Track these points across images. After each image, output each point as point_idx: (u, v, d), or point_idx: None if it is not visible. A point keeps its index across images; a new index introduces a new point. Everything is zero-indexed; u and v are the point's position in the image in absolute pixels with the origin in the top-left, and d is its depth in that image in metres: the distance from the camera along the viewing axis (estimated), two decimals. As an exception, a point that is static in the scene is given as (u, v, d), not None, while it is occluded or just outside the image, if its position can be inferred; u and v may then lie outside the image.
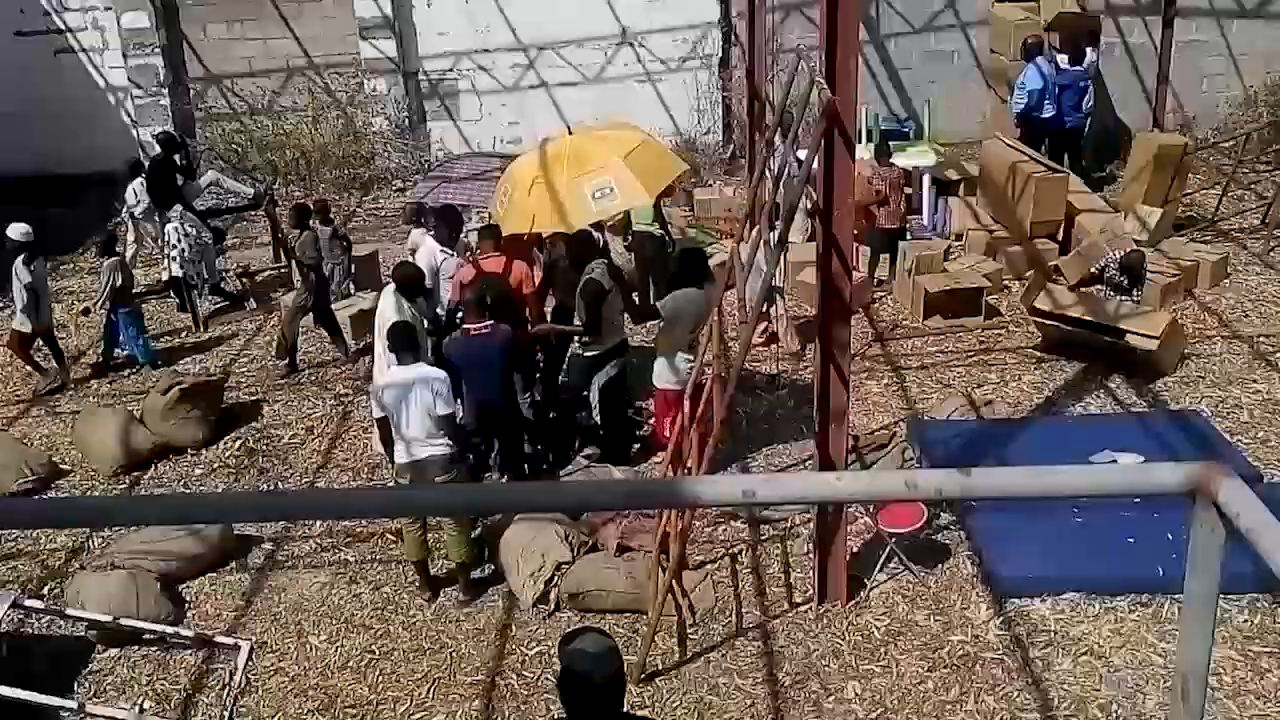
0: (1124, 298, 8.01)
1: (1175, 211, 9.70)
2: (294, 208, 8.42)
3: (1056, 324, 7.75)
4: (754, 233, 8.04)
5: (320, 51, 12.01)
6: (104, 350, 8.33)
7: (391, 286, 6.34)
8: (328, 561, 5.96)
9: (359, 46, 11.88)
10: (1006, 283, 8.93)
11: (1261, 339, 7.96)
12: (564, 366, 6.94)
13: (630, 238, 8.52)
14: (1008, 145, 9.66)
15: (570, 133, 6.62)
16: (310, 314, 8.15)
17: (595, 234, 7.02)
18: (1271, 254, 9.31)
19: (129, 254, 9.35)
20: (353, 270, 8.99)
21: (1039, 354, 7.95)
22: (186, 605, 5.68)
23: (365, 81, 11.99)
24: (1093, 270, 8.07)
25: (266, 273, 9.71)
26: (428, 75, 12.15)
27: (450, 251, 7.07)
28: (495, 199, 6.42)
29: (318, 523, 6.26)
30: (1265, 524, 1.27)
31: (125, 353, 8.39)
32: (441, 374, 5.44)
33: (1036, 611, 5.35)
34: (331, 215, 8.94)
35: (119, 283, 8.12)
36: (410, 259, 7.26)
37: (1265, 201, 10.01)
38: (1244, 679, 4.84)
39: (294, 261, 8.13)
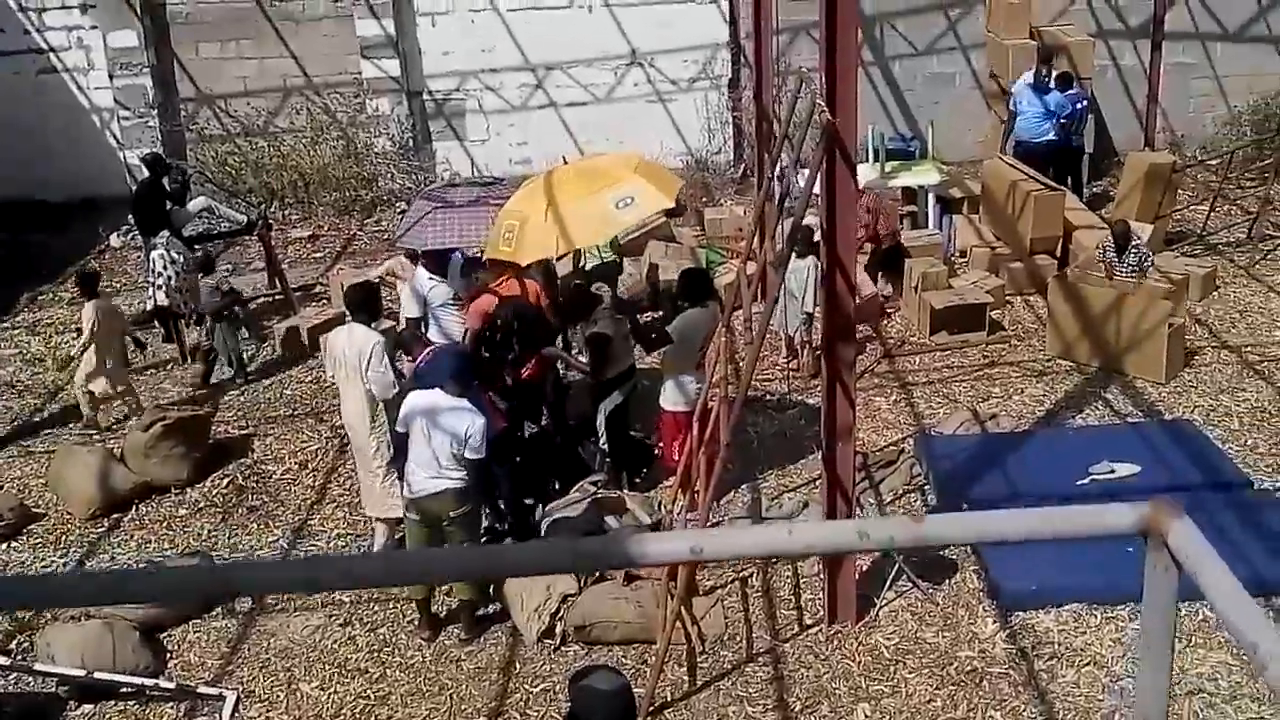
0: (1130, 267, 8.25)
1: (1166, 227, 10.06)
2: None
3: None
4: (762, 253, 8.32)
5: (319, 71, 11.71)
6: None
7: (349, 318, 6.06)
8: (321, 603, 5.67)
9: (360, 66, 11.67)
10: (1009, 297, 9.25)
11: (1249, 349, 8.28)
12: (569, 394, 6.94)
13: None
14: (1008, 164, 10.01)
15: (565, 162, 6.60)
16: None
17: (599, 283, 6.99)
18: (1257, 267, 9.67)
19: None
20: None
21: (1040, 366, 8.25)
22: (168, 655, 5.41)
23: (367, 101, 11.79)
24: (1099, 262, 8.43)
25: (261, 300, 9.43)
26: (433, 95, 11.97)
27: (439, 279, 6.78)
28: (495, 238, 6.16)
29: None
30: (1209, 565, 1.28)
31: None
32: (482, 418, 5.28)
33: (1041, 624, 5.46)
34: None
35: None
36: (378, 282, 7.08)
37: (1250, 216, 10.39)
38: (1239, 683, 5.03)
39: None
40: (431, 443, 5.22)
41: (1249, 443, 7.06)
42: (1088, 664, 5.22)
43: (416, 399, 5.39)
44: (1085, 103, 10.61)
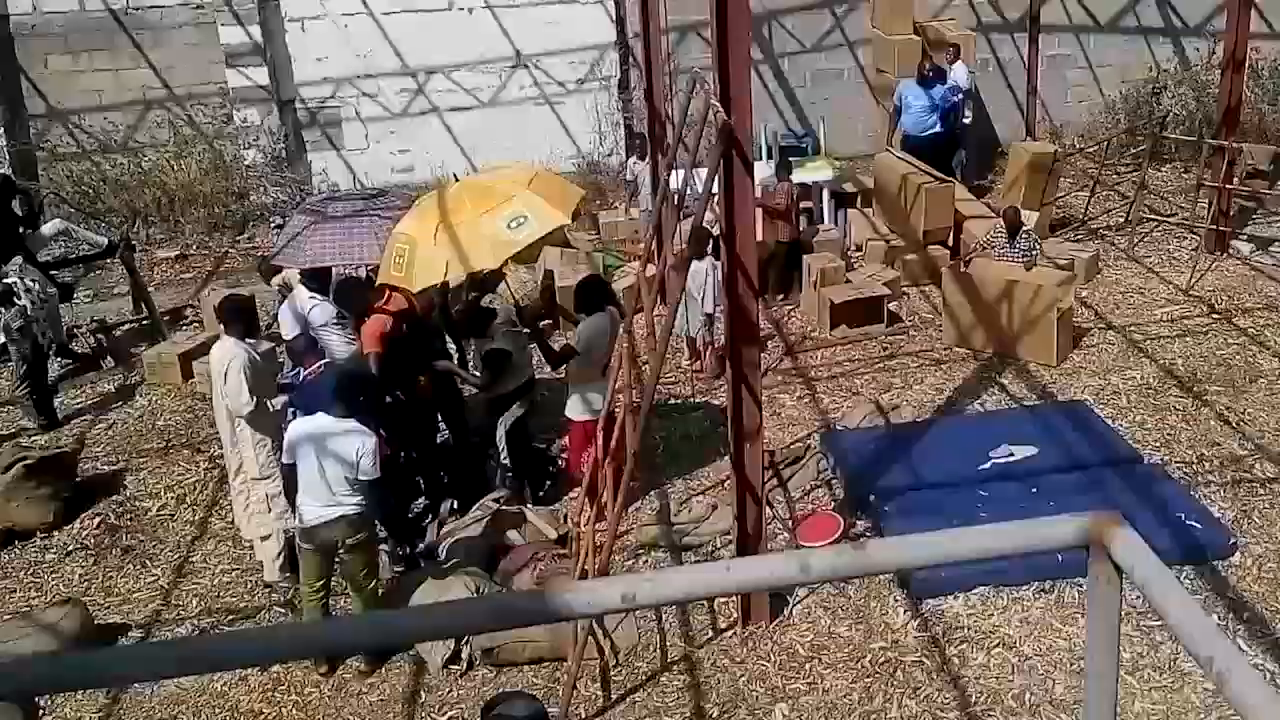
0: (1020, 252, 8.43)
1: (1050, 214, 10.35)
2: None
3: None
4: (662, 257, 8.18)
5: (182, 81, 11.20)
6: None
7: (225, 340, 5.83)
8: None
9: (225, 75, 11.19)
10: (905, 289, 9.34)
11: (1132, 328, 8.56)
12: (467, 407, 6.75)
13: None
14: (898, 158, 10.12)
15: (456, 179, 6.33)
16: None
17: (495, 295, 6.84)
18: (1136, 249, 10.04)
19: None
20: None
21: (938, 355, 8.34)
22: (41, 712, 5.10)
23: (234, 112, 11.30)
24: (986, 250, 8.56)
25: (126, 326, 8.99)
26: (305, 103, 11.55)
27: (321, 298, 6.58)
28: (387, 262, 5.97)
29: (193, 601, 5.93)
30: (1156, 575, 1.29)
31: None
32: (371, 436, 5.11)
33: (950, 610, 5.53)
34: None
35: None
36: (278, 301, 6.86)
37: (1127, 201, 10.79)
38: (1140, 654, 5.14)
39: None
40: (321, 469, 5.02)
41: (1137, 419, 7.27)
42: (997, 646, 5.31)
43: (301, 426, 5.17)
44: (961, 95, 10.85)
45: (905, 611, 5.52)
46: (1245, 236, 10.05)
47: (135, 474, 7.06)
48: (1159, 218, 10.57)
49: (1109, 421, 7.13)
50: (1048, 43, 12.17)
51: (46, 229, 8.94)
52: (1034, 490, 6.36)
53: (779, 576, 1.41)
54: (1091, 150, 11.97)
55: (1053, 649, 5.25)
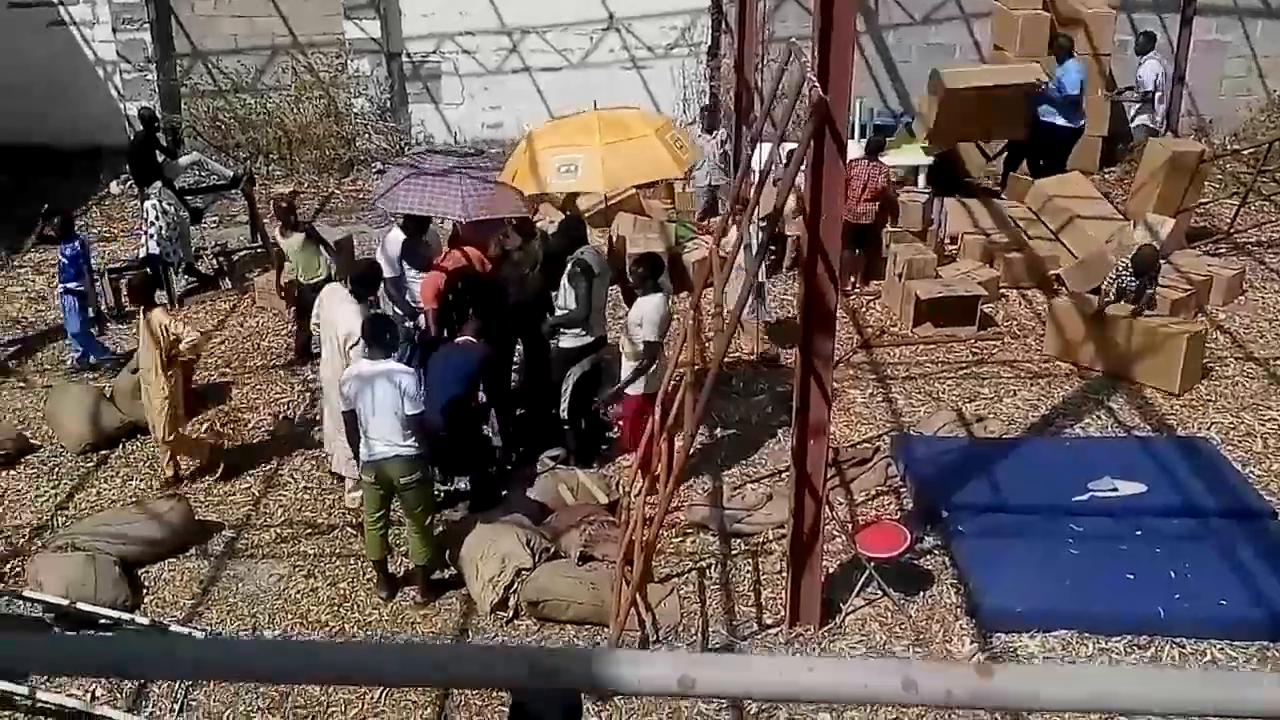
0: (1137, 304, 7.36)
1: (1188, 222, 9.14)
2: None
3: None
4: (732, 231, 7.57)
5: (305, 30, 11.93)
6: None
7: (338, 285, 6.37)
8: (287, 553, 5.86)
9: (343, 26, 11.83)
10: (1004, 290, 8.42)
11: (1277, 361, 7.43)
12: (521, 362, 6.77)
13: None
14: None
15: (595, 107, 6.72)
16: None
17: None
18: (1291, 271, 8.77)
19: None
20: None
21: (1036, 368, 7.44)
22: (144, 590, 5.60)
23: (348, 62, 11.96)
24: (1104, 284, 7.48)
25: (243, 252, 9.68)
26: (410, 57, 12.04)
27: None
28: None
29: (278, 510, 6.27)
30: None
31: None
32: (410, 371, 5.45)
33: (1024, 648, 5.04)
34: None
35: None
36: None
37: (1285, 214, 9.46)
38: None
39: None
40: (376, 411, 5.32)
41: (1274, 468, 6.30)
42: (1075, 697, 4.54)
43: (348, 375, 5.49)
44: (1146, 92, 10.02)
45: (971, 642, 5.08)
46: None
47: (240, 387, 7.57)
48: (1323, 236, 9.20)
49: (1238, 466, 6.19)
50: (1203, 26, 10.80)
51: (184, 159, 9.89)
52: (1138, 532, 5.59)
53: (874, 692, 1.18)
54: (1247, 152, 10.54)
55: (1143, 714, 4.48)
